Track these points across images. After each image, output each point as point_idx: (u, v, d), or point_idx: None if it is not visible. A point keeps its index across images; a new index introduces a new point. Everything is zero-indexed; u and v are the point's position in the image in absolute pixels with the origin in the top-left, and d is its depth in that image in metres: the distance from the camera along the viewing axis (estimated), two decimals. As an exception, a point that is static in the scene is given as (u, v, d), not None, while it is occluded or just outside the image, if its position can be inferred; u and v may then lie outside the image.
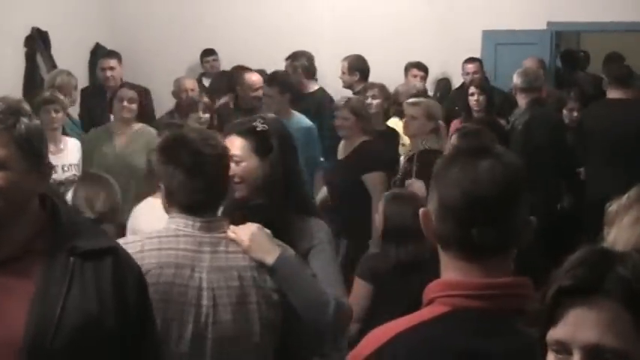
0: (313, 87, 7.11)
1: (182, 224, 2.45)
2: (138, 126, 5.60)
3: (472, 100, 6.51)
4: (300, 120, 5.92)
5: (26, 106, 1.93)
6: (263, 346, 2.48)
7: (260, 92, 6.35)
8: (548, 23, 8.50)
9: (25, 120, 1.87)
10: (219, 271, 2.43)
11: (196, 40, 8.73)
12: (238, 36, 8.78)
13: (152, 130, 5.48)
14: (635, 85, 6.12)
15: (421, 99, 5.65)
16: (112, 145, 5.50)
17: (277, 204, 2.70)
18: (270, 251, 2.46)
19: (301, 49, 7.34)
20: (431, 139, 5.13)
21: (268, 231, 2.52)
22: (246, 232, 2.47)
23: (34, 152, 1.88)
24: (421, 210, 1.73)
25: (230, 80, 7.28)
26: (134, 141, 5.47)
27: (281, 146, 2.73)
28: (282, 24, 8.77)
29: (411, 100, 5.59)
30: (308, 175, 4.49)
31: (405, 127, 5.47)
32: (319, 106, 6.71)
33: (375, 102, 6.21)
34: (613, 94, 6.09)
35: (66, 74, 6.53)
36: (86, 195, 3.52)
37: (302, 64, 7.10)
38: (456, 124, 6.37)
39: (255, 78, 6.58)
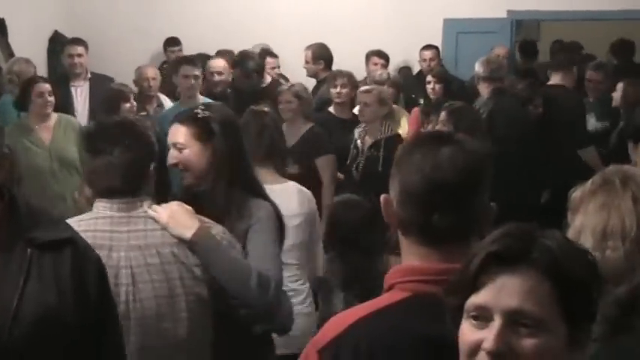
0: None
1: (101, 207, 2.49)
2: (56, 117, 5.48)
3: (429, 88, 6.58)
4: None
5: None
6: (193, 320, 2.48)
7: (224, 77, 6.38)
8: (509, 12, 8.56)
9: None
10: (137, 250, 2.45)
11: (160, 29, 8.65)
12: (202, 25, 8.72)
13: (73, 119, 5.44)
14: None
15: (373, 86, 5.84)
16: (37, 140, 5.35)
17: (220, 188, 2.74)
18: (189, 226, 2.49)
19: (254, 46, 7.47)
20: (393, 124, 5.34)
21: (189, 207, 2.55)
22: (166, 210, 2.50)
23: None
24: (382, 196, 1.74)
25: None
26: (61, 133, 5.40)
27: (224, 131, 2.77)
28: (245, 14, 8.74)
29: (363, 88, 5.82)
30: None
31: (361, 114, 5.66)
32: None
33: (344, 91, 6.24)
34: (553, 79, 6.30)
35: (24, 62, 6.44)
36: None
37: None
38: (415, 111, 6.41)
39: (217, 62, 6.64)
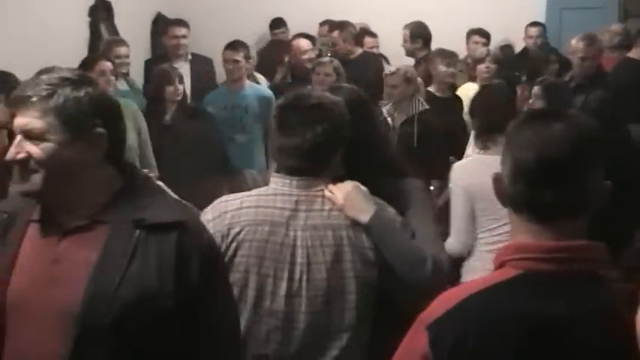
0: (357, 52, 7.23)
1: (280, 183, 2.49)
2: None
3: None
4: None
5: (75, 76, 1.91)
6: (360, 303, 2.46)
7: (310, 55, 6.55)
8: (616, -14, 8.28)
9: (64, 91, 1.86)
10: (313, 230, 2.44)
11: (264, 10, 8.63)
12: (306, 6, 8.64)
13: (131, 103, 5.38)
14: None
15: (398, 67, 5.82)
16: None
17: (366, 168, 2.63)
18: (365, 209, 2.46)
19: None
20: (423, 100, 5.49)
21: (365, 189, 2.50)
22: (341, 191, 2.47)
23: (74, 122, 1.85)
24: (493, 174, 1.72)
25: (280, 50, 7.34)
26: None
27: (354, 115, 2.60)
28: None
29: (387, 70, 5.85)
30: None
31: (389, 96, 5.64)
32: (364, 69, 6.73)
33: (451, 70, 6.21)
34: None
35: (117, 41, 6.57)
36: None
37: (349, 32, 7.24)
38: (519, 89, 6.29)
39: (302, 42, 6.72)
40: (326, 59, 6.08)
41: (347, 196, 2.45)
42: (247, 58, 6.10)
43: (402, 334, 1.67)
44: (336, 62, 5.92)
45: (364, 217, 2.45)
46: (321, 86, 5.19)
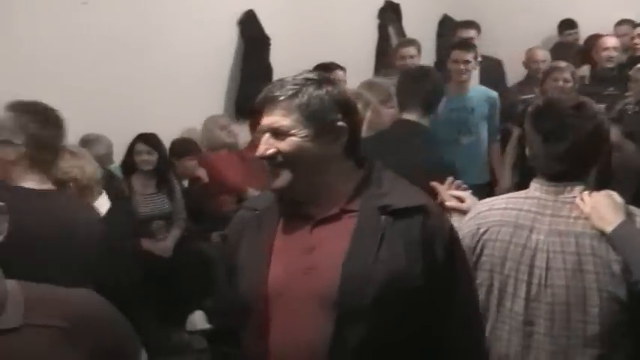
0: None
1: (533, 187, 2.49)
2: None
3: None
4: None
5: (317, 77, 2.03)
6: (604, 319, 2.33)
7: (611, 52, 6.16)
8: None
9: (308, 89, 1.98)
10: (556, 235, 2.40)
11: (554, 10, 8.28)
12: (601, 5, 8.16)
13: None
14: None
15: None
16: None
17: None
18: (611, 220, 2.34)
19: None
20: None
21: (619, 199, 2.40)
22: (592, 199, 2.38)
23: (317, 118, 1.96)
24: None
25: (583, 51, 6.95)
26: None
27: None
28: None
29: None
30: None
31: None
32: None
33: None
34: None
35: (407, 42, 6.56)
36: None
37: None
38: None
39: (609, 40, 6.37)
40: (563, 64, 5.65)
41: (595, 204, 2.37)
42: (476, 58, 5.81)
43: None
44: (572, 67, 5.55)
45: (608, 228, 2.33)
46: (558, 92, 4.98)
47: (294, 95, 1.96)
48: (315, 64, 5.75)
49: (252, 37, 6.66)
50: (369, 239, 1.92)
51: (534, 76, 6.58)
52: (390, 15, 7.90)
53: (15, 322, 1.44)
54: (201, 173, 5.95)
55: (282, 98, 1.96)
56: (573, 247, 2.36)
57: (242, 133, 6.43)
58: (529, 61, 6.79)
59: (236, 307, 2.02)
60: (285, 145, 1.96)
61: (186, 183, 5.96)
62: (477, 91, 5.86)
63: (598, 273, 2.33)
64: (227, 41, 6.63)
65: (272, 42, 6.75)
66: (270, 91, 1.99)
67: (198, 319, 5.42)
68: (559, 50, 7.59)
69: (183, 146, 5.90)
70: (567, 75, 5.56)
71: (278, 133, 1.96)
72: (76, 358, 1.45)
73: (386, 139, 3.59)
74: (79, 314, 1.49)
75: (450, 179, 3.05)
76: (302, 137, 1.95)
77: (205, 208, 5.85)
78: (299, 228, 2.01)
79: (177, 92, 6.00)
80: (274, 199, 2.06)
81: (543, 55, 6.86)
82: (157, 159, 5.54)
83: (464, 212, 2.78)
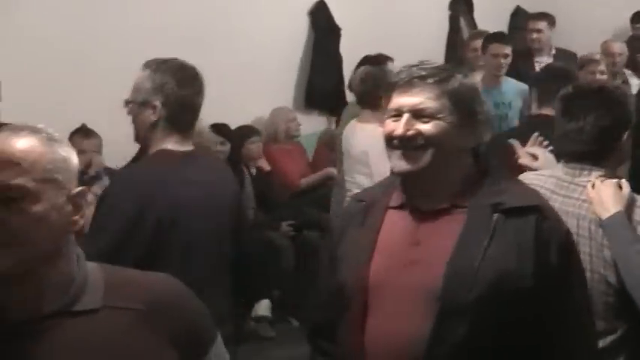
0: None
1: (558, 167, 2.58)
2: None
3: None
4: None
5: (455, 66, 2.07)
6: (595, 298, 2.32)
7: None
8: None
9: (459, 77, 1.95)
10: (563, 216, 2.34)
11: (628, 1, 8.07)
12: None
13: None
14: None
15: None
16: None
17: None
18: (608, 208, 2.38)
19: None
20: None
21: (626, 190, 2.42)
22: (601, 186, 2.42)
23: (464, 107, 1.93)
24: None
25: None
26: None
27: None
28: None
29: None
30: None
31: None
32: None
33: None
34: None
35: (478, 34, 6.48)
36: None
37: None
38: None
39: None
40: (598, 56, 5.55)
41: (599, 191, 2.41)
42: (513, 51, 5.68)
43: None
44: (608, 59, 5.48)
45: (604, 215, 2.38)
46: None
47: (446, 80, 1.91)
48: (385, 54, 5.73)
49: (323, 27, 6.67)
50: (478, 236, 1.87)
51: (609, 69, 6.42)
52: (461, 6, 7.83)
53: (95, 303, 1.46)
54: (263, 163, 5.99)
55: (431, 80, 1.91)
56: (574, 229, 2.36)
57: (311, 122, 6.44)
58: (605, 54, 6.62)
59: (336, 298, 1.99)
60: (429, 127, 1.90)
61: (254, 172, 6.01)
62: (509, 84, 5.71)
63: (592, 255, 2.38)
64: (298, 31, 6.65)
65: (342, 32, 6.74)
66: (416, 72, 1.93)
67: (263, 308, 5.46)
68: (634, 43, 7.40)
69: (245, 131, 5.93)
70: (603, 67, 5.48)
71: (422, 115, 1.91)
72: (154, 340, 1.46)
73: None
74: (158, 298, 1.50)
75: (535, 135, 3.13)
76: (448, 122, 1.90)
77: (271, 197, 5.88)
78: (405, 221, 1.97)
79: (248, 82, 6.04)
80: (383, 192, 2.04)
81: (620, 47, 6.68)
82: (229, 149, 5.58)
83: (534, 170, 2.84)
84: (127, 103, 2.59)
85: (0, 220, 1.36)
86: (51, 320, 1.42)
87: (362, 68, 5.05)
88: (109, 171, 4.67)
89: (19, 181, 1.37)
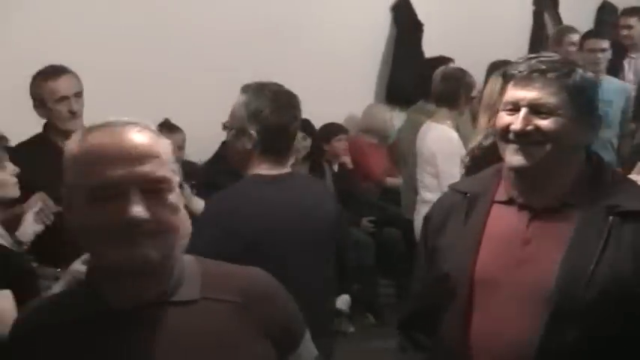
0: None
1: None
2: None
3: None
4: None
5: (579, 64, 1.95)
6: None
7: None
8: None
9: (580, 71, 1.89)
10: None
11: None
12: None
13: None
14: None
15: None
16: None
17: None
18: None
19: None
20: None
21: None
22: None
23: (584, 103, 1.89)
24: None
25: None
26: None
27: None
28: None
29: None
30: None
31: None
32: None
33: None
34: None
35: (567, 29, 6.35)
36: None
37: None
38: None
39: None
40: None
41: None
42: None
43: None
44: None
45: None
46: None
47: (567, 75, 1.87)
48: (468, 51, 5.68)
49: (406, 22, 6.64)
50: (593, 238, 1.82)
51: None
52: (546, 2, 7.69)
53: (193, 295, 1.48)
54: (346, 160, 6.01)
55: (551, 75, 1.86)
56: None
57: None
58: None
59: (437, 290, 1.97)
60: (548, 123, 1.86)
61: (336, 168, 6.03)
62: (611, 82, 5.51)
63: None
64: (380, 27, 6.64)
65: (425, 28, 6.70)
66: (536, 65, 1.89)
67: (343, 302, 5.48)
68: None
69: (332, 129, 5.97)
70: None
71: (540, 111, 1.87)
72: (250, 332, 1.49)
73: None
74: (253, 291, 1.52)
75: None
76: (566, 118, 1.86)
77: (352, 193, 5.90)
78: (514, 217, 1.93)
79: (330, 78, 6.05)
80: (489, 185, 2.00)
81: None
82: (310, 144, 5.61)
83: None
84: (224, 127, 2.62)
85: (152, 212, 1.39)
86: (151, 310, 1.45)
87: (442, 67, 5.02)
88: (192, 166, 4.76)
89: (163, 172, 1.42)
